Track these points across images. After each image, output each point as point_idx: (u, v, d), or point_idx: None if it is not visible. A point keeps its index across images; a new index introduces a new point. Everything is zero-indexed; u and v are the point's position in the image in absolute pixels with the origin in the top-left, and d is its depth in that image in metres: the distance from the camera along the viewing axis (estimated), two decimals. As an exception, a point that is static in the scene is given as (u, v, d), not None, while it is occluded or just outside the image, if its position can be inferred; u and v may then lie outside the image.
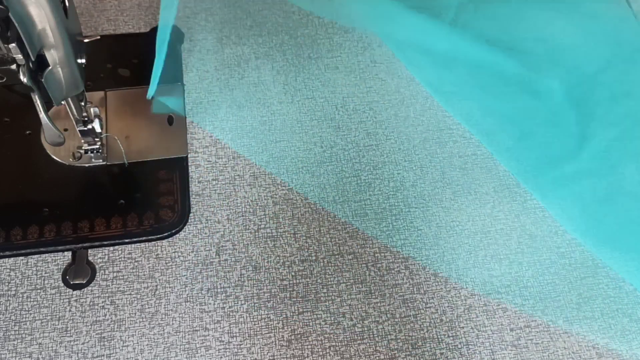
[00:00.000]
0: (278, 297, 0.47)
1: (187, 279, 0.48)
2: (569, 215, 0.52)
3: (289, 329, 0.46)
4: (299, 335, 0.46)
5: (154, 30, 0.59)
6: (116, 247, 0.49)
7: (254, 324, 0.46)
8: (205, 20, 0.61)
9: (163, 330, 0.46)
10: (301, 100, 0.57)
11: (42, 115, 0.40)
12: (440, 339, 0.46)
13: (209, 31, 0.60)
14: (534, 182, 0.53)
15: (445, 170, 0.54)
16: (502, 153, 0.55)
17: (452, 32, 0.60)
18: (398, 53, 0.60)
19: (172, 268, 0.48)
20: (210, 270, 0.48)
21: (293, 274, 0.49)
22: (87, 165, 0.52)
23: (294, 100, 0.57)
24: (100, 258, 0.48)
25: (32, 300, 0.46)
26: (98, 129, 0.49)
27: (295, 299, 0.47)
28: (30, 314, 0.46)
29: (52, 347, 0.45)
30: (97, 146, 0.51)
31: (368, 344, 0.46)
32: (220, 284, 0.47)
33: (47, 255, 0.48)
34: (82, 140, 0.51)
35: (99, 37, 0.45)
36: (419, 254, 0.50)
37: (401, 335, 0.46)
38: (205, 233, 0.50)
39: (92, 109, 0.48)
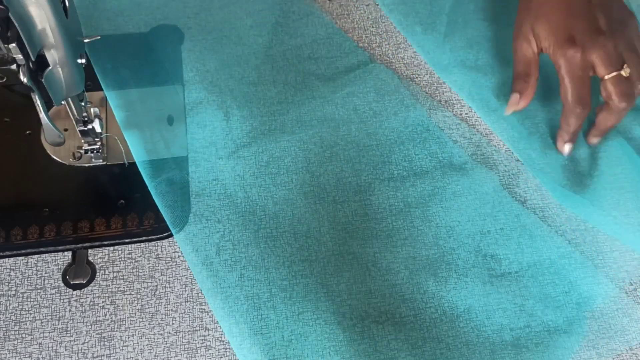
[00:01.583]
0: (278, 297, 0.47)
1: (187, 279, 0.48)
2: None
3: (289, 329, 0.46)
4: (298, 335, 0.46)
5: (154, 30, 0.59)
6: (116, 247, 0.49)
7: (254, 324, 0.46)
8: (206, 20, 0.61)
9: (163, 330, 0.46)
10: (301, 100, 0.57)
11: (42, 115, 0.40)
12: (440, 339, 0.46)
13: (209, 31, 0.60)
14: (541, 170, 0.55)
15: (445, 170, 0.54)
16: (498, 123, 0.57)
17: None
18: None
19: (172, 268, 0.48)
20: (210, 270, 0.48)
21: (293, 273, 0.49)
22: (87, 165, 0.52)
23: (294, 100, 0.57)
24: (100, 258, 0.48)
25: (32, 300, 0.46)
26: (98, 129, 0.49)
27: (295, 299, 0.47)
28: (30, 314, 0.46)
29: (52, 347, 0.45)
30: (97, 146, 0.51)
31: (368, 344, 0.46)
32: (220, 283, 0.47)
33: (47, 255, 0.48)
34: (82, 140, 0.51)
35: (99, 37, 0.45)
36: (419, 254, 0.50)
37: (401, 335, 0.46)
38: (206, 233, 0.50)
39: (92, 109, 0.48)
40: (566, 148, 0.53)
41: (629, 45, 0.51)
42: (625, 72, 0.49)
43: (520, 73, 0.54)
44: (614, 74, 0.49)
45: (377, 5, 0.64)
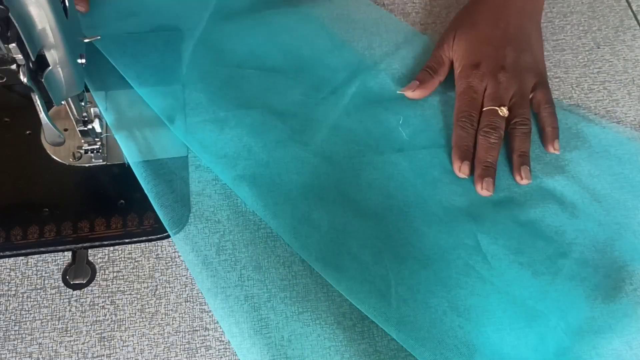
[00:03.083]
0: (278, 297, 0.47)
1: (187, 279, 0.48)
2: None
3: (289, 329, 0.46)
4: (299, 335, 0.46)
5: (154, 30, 0.59)
6: (116, 247, 0.49)
7: (254, 324, 0.46)
8: (197, 20, 0.60)
9: (163, 330, 0.46)
10: (301, 99, 0.57)
11: (42, 115, 0.40)
12: (440, 339, 0.46)
13: (208, 31, 0.60)
14: None
15: (437, 167, 0.54)
16: None
17: None
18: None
19: (172, 268, 0.48)
20: (210, 270, 0.48)
21: (293, 273, 0.49)
22: (87, 165, 0.52)
23: (294, 100, 0.57)
24: (100, 258, 0.48)
25: (32, 300, 0.46)
26: (98, 129, 0.49)
27: (295, 299, 0.47)
28: (30, 314, 0.46)
29: (52, 347, 0.45)
30: (97, 146, 0.51)
31: (368, 344, 0.46)
32: (220, 283, 0.47)
33: (47, 255, 0.48)
34: (82, 140, 0.51)
35: (99, 37, 0.45)
36: (419, 254, 0.50)
37: (400, 333, 0.46)
38: (205, 233, 0.50)
39: (92, 109, 0.48)
40: (455, 165, 0.53)
41: (520, 90, 0.54)
42: (502, 111, 0.53)
43: (429, 67, 0.57)
44: (490, 107, 0.53)
45: (377, 5, 0.64)
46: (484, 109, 0.53)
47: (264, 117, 0.55)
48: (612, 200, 0.54)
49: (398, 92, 0.57)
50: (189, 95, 0.55)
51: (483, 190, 0.52)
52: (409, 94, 0.56)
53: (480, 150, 0.53)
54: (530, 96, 0.56)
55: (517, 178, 0.53)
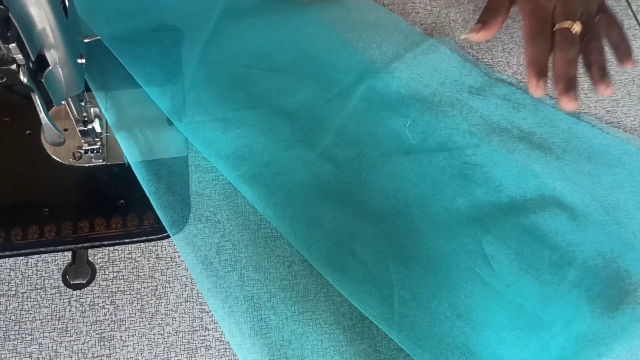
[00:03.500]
0: (278, 297, 0.47)
1: (187, 279, 0.48)
2: None
3: (289, 329, 0.46)
4: (299, 335, 0.46)
5: (154, 30, 0.59)
6: (116, 247, 0.49)
7: (254, 324, 0.46)
8: (206, 20, 0.60)
9: (163, 330, 0.46)
10: (300, 100, 0.57)
11: (42, 115, 0.40)
12: (440, 339, 0.46)
13: (209, 31, 0.60)
14: None
15: (445, 170, 0.54)
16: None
17: None
18: None
19: (172, 268, 0.48)
20: (210, 270, 0.48)
21: (293, 274, 0.49)
22: (87, 165, 0.52)
23: (295, 100, 0.57)
24: (100, 258, 0.48)
25: (32, 300, 0.46)
26: (98, 129, 0.49)
27: (295, 299, 0.47)
28: (30, 314, 0.46)
29: (52, 347, 0.45)
30: (97, 146, 0.51)
31: (368, 344, 0.46)
32: (220, 284, 0.47)
33: (47, 255, 0.48)
34: (82, 140, 0.51)
35: (99, 37, 0.45)
36: (419, 254, 0.50)
37: (401, 335, 0.46)
38: (205, 233, 0.50)
39: (92, 109, 0.48)
40: (531, 83, 0.49)
41: (588, 10, 0.51)
42: (575, 27, 0.49)
43: (490, 7, 0.54)
44: (563, 24, 0.50)
45: (377, 5, 0.64)
46: (557, 27, 0.50)
47: (271, 117, 0.55)
48: (612, 200, 0.54)
49: (462, 36, 0.55)
50: (196, 95, 0.55)
51: (570, 103, 0.48)
52: (474, 36, 0.53)
53: (559, 65, 0.49)
54: (595, 20, 0.52)
55: (601, 88, 0.49)
